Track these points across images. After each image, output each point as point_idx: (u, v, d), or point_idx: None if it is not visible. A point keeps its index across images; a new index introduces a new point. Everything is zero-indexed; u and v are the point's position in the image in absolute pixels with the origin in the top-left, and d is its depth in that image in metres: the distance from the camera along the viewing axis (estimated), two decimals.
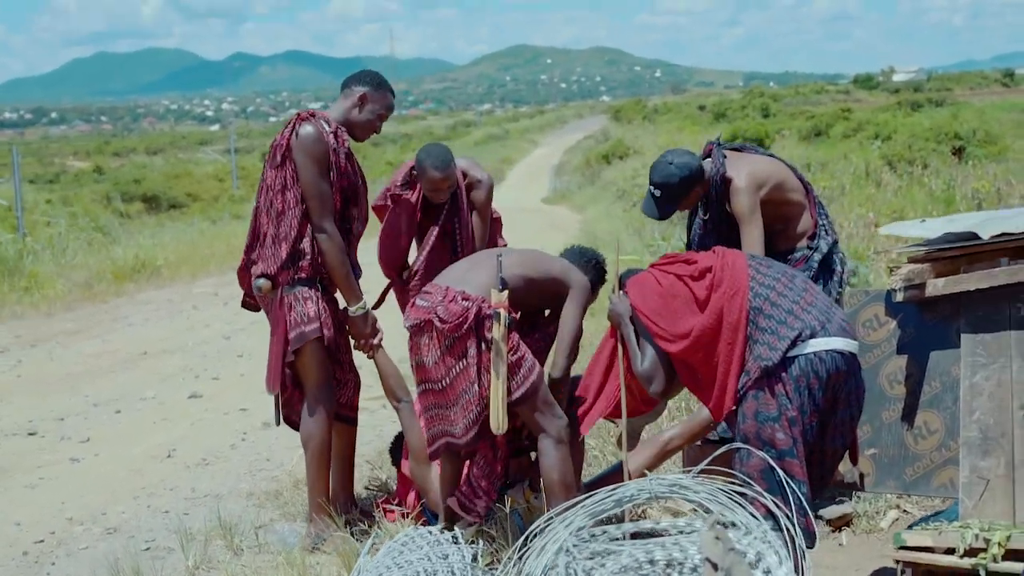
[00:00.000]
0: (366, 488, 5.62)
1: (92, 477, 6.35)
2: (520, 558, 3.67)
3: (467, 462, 4.65)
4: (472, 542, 4.32)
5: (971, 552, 3.58)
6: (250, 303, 5.14)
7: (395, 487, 5.36)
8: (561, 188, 28.34)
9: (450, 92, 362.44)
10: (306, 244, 4.85)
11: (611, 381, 4.41)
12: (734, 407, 3.87)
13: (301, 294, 4.85)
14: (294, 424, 5.09)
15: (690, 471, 3.75)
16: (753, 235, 4.80)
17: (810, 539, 3.62)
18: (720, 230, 5.02)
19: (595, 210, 20.58)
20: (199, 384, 8.63)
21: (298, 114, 4.95)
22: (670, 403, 5.49)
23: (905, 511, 5.08)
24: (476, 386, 4.31)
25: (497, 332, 4.27)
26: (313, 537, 4.91)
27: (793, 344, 3.76)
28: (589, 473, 5.24)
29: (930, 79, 75.45)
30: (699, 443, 4.88)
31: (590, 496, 3.73)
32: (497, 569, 3.93)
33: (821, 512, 5.06)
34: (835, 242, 5.01)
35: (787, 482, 3.64)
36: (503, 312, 4.30)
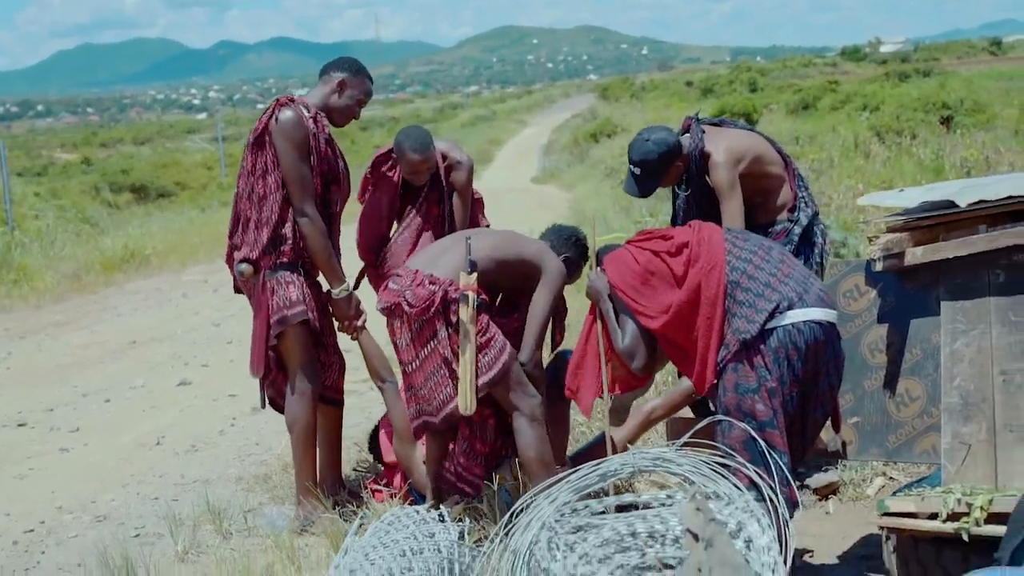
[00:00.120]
0: (354, 470, 5.65)
1: (81, 466, 6.35)
2: (507, 535, 3.68)
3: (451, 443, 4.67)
4: (459, 520, 4.33)
5: (954, 516, 3.59)
6: (240, 289, 5.15)
7: (382, 468, 5.38)
8: (550, 167, 28.30)
9: (436, 75, 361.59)
10: (287, 229, 4.87)
11: (594, 359, 4.42)
12: (715, 380, 3.87)
13: (283, 278, 4.85)
14: (279, 407, 5.10)
15: (673, 444, 3.76)
16: (733, 209, 4.81)
17: (792, 509, 3.63)
18: (702, 205, 5.03)
19: (584, 188, 20.56)
20: (188, 371, 8.63)
21: (277, 99, 4.96)
22: (656, 376, 5.49)
23: (891, 478, 5.11)
24: (444, 368, 4.33)
25: (465, 314, 4.28)
26: (301, 520, 4.93)
27: (771, 316, 3.76)
28: (574, 448, 5.26)
29: (917, 49, 75.27)
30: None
31: (574, 471, 3.74)
32: (484, 546, 3.94)
33: (807, 481, 5.10)
34: (815, 214, 5.01)
35: (769, 453, 3.65)
36: (471, 294, 4.31)
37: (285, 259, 4.86)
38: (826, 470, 5.15)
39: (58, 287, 13.03)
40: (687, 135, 4.95)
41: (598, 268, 4.30)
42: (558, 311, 4.91)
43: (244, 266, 4.88)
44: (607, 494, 3.78)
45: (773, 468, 3.61)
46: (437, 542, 3.95)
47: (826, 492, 5.08)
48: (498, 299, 4.83)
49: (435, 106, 78.72)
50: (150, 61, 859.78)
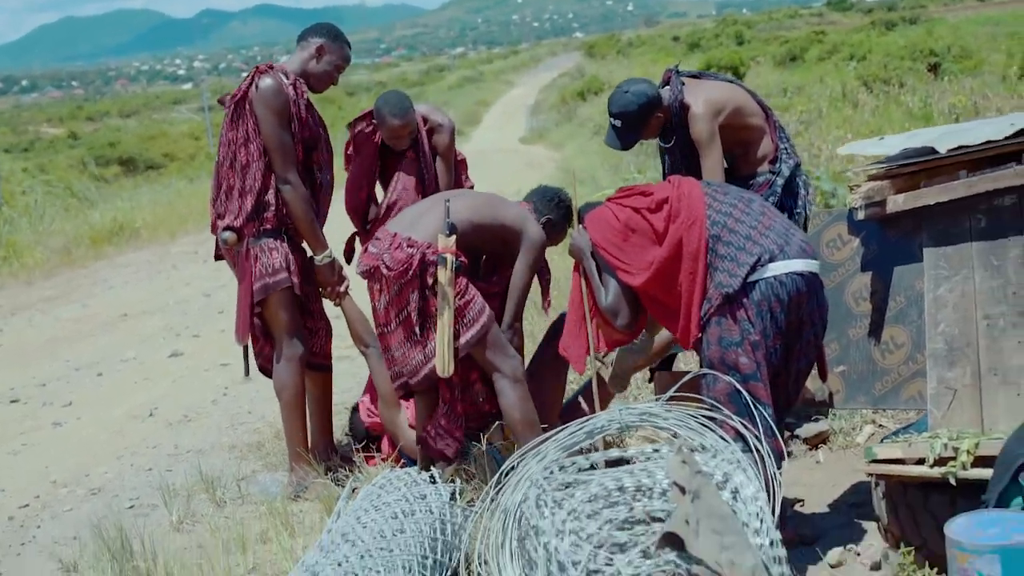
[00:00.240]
0: (346, 435, 5.66)
1: (75, 440, 6.37)
2: (498, 494, 3.70)
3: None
4: (450, 481, 4.35)
5: (941, 461, 3.61)
6: (222, 256, 5.14)
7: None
8: (538, 127, 28.23)
9: (422, 37, 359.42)
10: (271, 196, 4.87)
11: (580, 316, 4.42)
12: (699, 334, 3.88)
13: (267, 245, 4.86)
14: (270, 374, 5.11)
15: (659, 399, 3.77)
16: (712, 160, 4.80)
17: (778, 459, 3.65)
18: (686, 157, 5.01)
19: (572, 147, 20.53)
20: (180, 342, 8.64)
21: (256, 67, 4.96)
22: None
23: (881, 426, 5.13)
24: (421, 330, 4.34)
25: (443, 276, 4.28)
26: (294, 485, 4.95)
27: (753, 269, 3.75)
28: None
29: None
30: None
31: (562, 429, 3.75)
32: (476, 506, 3.96)
33: (797, 431, 5.12)
34: (797, 165, 5.00)
35: (753, 404, 3.66)
36: (449, 256, 4.30)
37: (269, 226, 4.87)
38: (815, 420, 5.17)
39: (48, 262, 13.01)
40: (667, 87, 4.94)
41: (580, 226, 4.29)
42: (541, 274, 4.91)
43: (228, 234, 4.87)
44: (597, 450, 3.80)
45: (758, 420, 3.62)
46: (428, 503, 3.97)
47: (816, 442, 5.11)
48: (481, 262, 4.82)
49: (421, 69, 78.36)
50: (133, 32, 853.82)
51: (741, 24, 51.72)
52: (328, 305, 5.21)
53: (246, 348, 5.08)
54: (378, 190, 5.38)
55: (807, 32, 35.90)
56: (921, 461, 3.66)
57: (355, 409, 5.45)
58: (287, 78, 4.87)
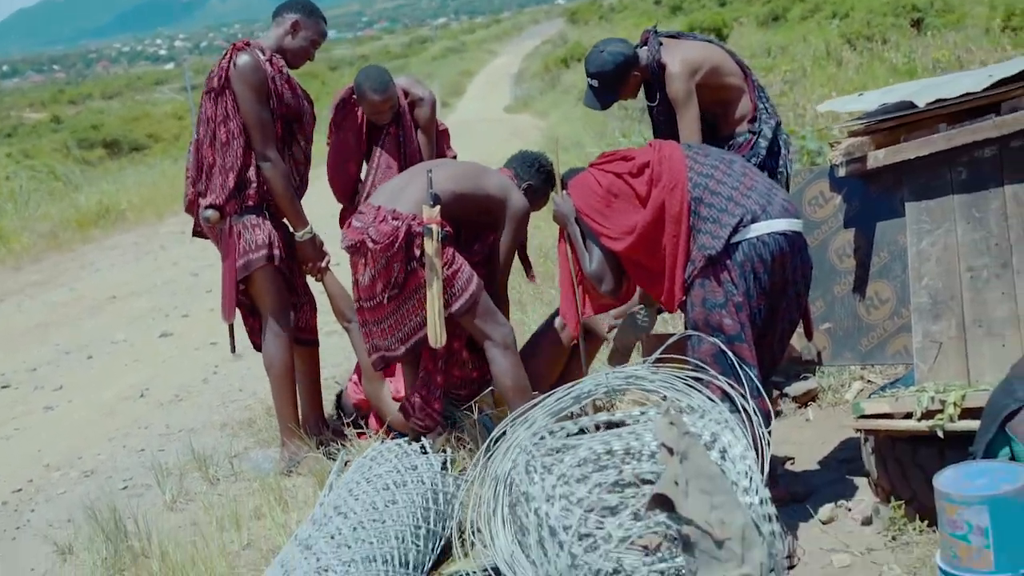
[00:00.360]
0: (336, 411, 5.66)
1: (67, 423, 6.37)
2: (488, 462, 3.71)
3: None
4: (441, 451, 4.36)
5: (928, 414, 3.62)
6: (200, 232, 5.13)
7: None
8: (522, 96, 28.17)
9: (403, 9, 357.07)
10: (252, 173, 4.87)
11: (561, 282, 4.43)
12: (684, 297, 3.88)
13: (249, 222, 4.86)
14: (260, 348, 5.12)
15: (645, 361, 3.78)
16: (688, 120, 4.79)
17: (766, 419, 3.66)
18: (669, 118, 4.99)
19: (557, 115, 20.49)
20: (169, 323, 8.63)
21: (233, 44, 4.94)
22: None
23: (869, 381, 5.15)
24: (410, 302, 4.33)
25: (430, 247, 4.27)
26: (287, 461, 4.96)
27: (735, 230, 3.74)
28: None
29: None
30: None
31: (550, 395, 3.76)
32: (467, 474, 3.98)
33: (786, 390, 5.14)
34: (778, 124, 4.99)
35: (739, 365, 3.67)
36: (435, 227, 4.29)
37: (251, 203, 4.86)
38: (804, 378, 5.18)
39: (35, 247, 12.97)
40: (645, 47, 4.93)
41: (564, 192, 4.28)
42: (520, 248, 4.92)
43: (210, 212, 4.86)
44: (587, 414, 3.81)
45: (744, 380, 3.63)
46: (420, 474, 3.99)
47: (805, 400, 5.12)
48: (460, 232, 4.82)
49: (404, 41, 78.02)
50: (113, 13, 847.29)
51: None
52: (311, 281, 5.21)
53: (231, 326, 5.08)
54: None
55: None
56: (909, 415, 3.67)
57: (341, 392, 5.45)
58: (263, 54, 4.85)
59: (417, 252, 4.28)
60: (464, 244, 4.62)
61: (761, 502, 3.14)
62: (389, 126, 5.18)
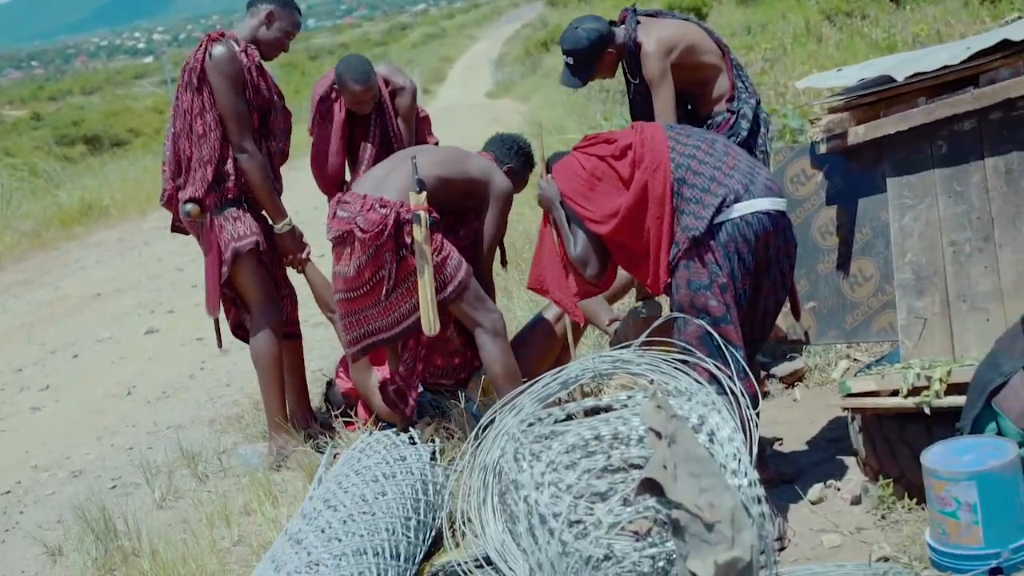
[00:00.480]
0: (324, 403, 5.65)
1: (54, 423, 6.35)
2: (476, 451, 3.70)
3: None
4: (430, 441, 4.35)
5: (914, 391, 3.62)
6: (179, 227, 5.10)
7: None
8: (503, 80, 28.10)
9: None
10: (229, 165, 4.85)
11: (552, 267, 4.39)
12: (668, 279, 3.87)
13: (230, 214, 4.85)
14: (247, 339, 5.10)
15: (631, 345, 3.77)
16: (663, 99, 4.79)
17: (753, 400, 3.65)
18: (648, 97, 4.98)
19: (538, 99, 20.45)
20: (154, 319, 8.59)
21: (208, 35, 4.91)
22: None
23: (856, 360, 5.14)
24: (399, 289, 4.32)
25: (419, 234, 4.25)
26: (275, 455, 4.95)
27: (718, 211, 3.73)
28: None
29: None
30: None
31: (536, 382, 3.75)
32: (456, 464, 3.97)
33: (773, 370, 5.13)
34: (758, 103, 4.98)
35: (725, 347, 3.66)
36: (423, 214, 4.27)
37: (230, 195, 4.85)
38: (791, 358, 5.18)
39: (18, 246, 12.90)
40: (623, 26, 4.92)
41: (548, 176, 4.26)
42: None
43: (191, 206, 4.84)
44: (573, 401, 3.80)
45: (731, 362, 3.62)
46: (409, 465, 3.98)
47: (792, 380, 5.12)
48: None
49: (383, 28, 77.77)
50: (91, 7, 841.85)
51: None
52: (292, 273, 5.19)
53: (217, 320, 5.06)
54: None
55: None
56: (895, 392, 3.66)
57: (331, 383, 5.44)
58: (238, 45, 4.83)
59: (408, 240, 4.26)
60: (448, 230, 4.61)
61: (750, 484, 3.14)
62: (372, 116, 5.15)
